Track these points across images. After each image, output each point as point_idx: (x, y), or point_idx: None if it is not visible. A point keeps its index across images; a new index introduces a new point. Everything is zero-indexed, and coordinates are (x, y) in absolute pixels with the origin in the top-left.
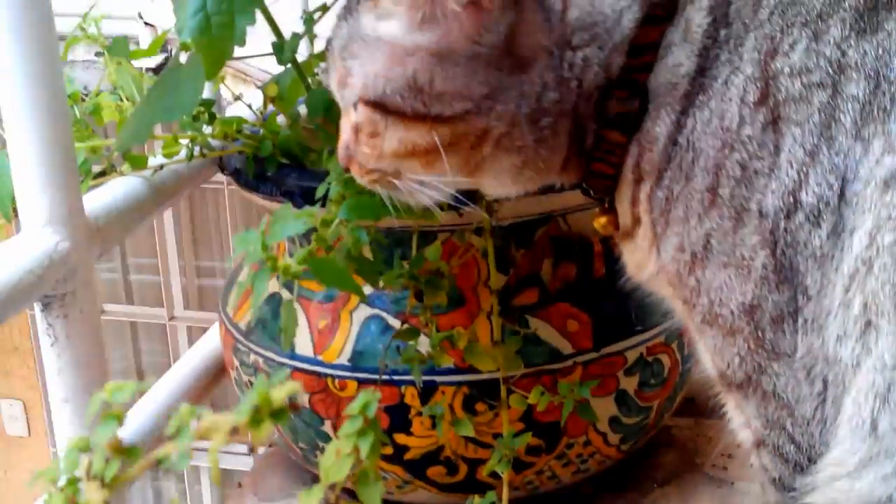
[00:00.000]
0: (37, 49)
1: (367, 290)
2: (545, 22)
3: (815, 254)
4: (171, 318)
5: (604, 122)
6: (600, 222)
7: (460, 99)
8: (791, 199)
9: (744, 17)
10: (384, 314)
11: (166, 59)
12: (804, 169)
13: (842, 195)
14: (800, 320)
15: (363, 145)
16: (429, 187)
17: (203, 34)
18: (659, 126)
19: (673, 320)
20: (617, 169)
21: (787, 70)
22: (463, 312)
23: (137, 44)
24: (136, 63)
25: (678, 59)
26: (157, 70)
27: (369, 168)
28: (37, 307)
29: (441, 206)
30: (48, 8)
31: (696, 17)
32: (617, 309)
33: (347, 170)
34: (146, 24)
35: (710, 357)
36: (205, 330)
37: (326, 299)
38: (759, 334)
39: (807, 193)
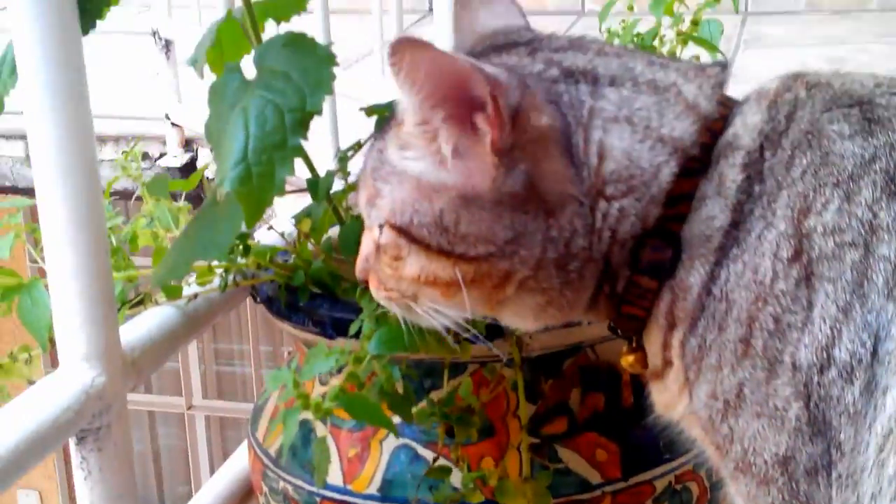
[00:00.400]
0: (80, 188)
1: (397, 419)
2: (574, 172)
3: (849, 410)
4: (190, 406)
5: (636, 268)
6: (628, 360)
7: (484, 242)
8: (825, 355)
9: (777, 175)
10: (414, 444)
11: (192, 158)
12: (837, 325)
13: (874, 353)
14: (834, 474)
15: (385, 265)
16: (444, 315)
17: (244, 185)
18: (693, 276)
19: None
20: (647, 312)
21: (820, 229)
22: (492, 443)
23: (164, 143)
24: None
25: (712, 211)
26: (182, 170)
27: (388, 287)
28: (71, 442)
29: (468, 340)
30: (91, 151)
31: (730, 173)
32: (645, 438)
33: (365, 282)
34: (173, 124)
35: (743, 503)
36: (222, 419)
37: (356, 428)
38: (794, 486)
39: (840, 350)
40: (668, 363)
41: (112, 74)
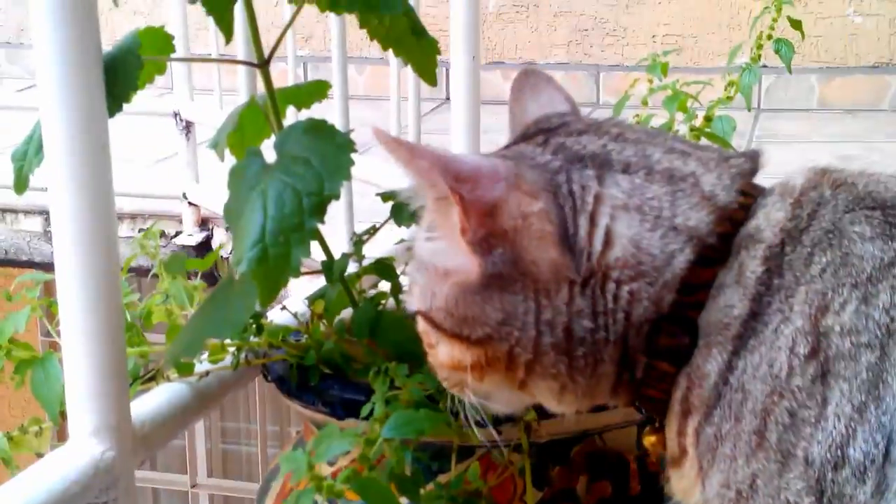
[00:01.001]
0: (99, 264)
1: (404, 500)
2: (570, 258)
3: None
4: (195, 485)
5: (654, 353)
6: (650, 440)
7: (480, 324)
8: (839, 453)
9: (796, 270)
10: None
11: (207, 237)
12: (852, 424)
13: (887, 455)
14: None
15: (428, 353)
16: (495, 399)
17: (260, 265)
18: (710, 364)
19: None
20: (667, 395)
21: (837, 328)
22: None
23: (180, 222)
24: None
25: (731, 300)
26: (197, 248)
27: (439, 375)
28: None
29: (478, 423)
30: (113, 232)
31: (751, 264)
32: None
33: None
34: (190, 203)
35: None
36: (227, 499)
37: None
38: None
39: (854, 449)
40: (683, 451)
41: (131, 153)
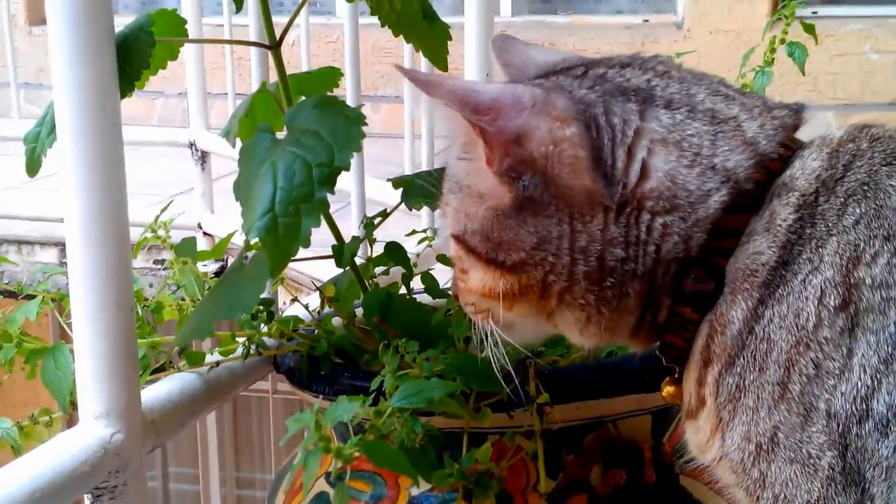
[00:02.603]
0: (109, 250)
1: (415, 490)
2: (604, 184)
3: (882, 464)
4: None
5: (679, 297)
6: (669, 391)
7: (516, 249)
8: (863, 406)
9: (828, 220)
10: None
11: (222, 268)
12: (877, 376)
13: None
14: None
15: (458, 278)
16: (517, 330)
17: (270, 234)
18: (735, 311)
19: None
20: (688, 343)
21: (868, 281)
22: None
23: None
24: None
25: (759, 247)
26: (216, 276)
27: (465, 301)
28: (87, 498)
29: (491, 408)
30: (124, 210)
31: (783, 212)
32: None
33: (456, 298)
34: (205, 234)
35: None
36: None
37: (373, 499)
38: None
39: (878, 402)
40: (702, 402)
41: (146, 186)
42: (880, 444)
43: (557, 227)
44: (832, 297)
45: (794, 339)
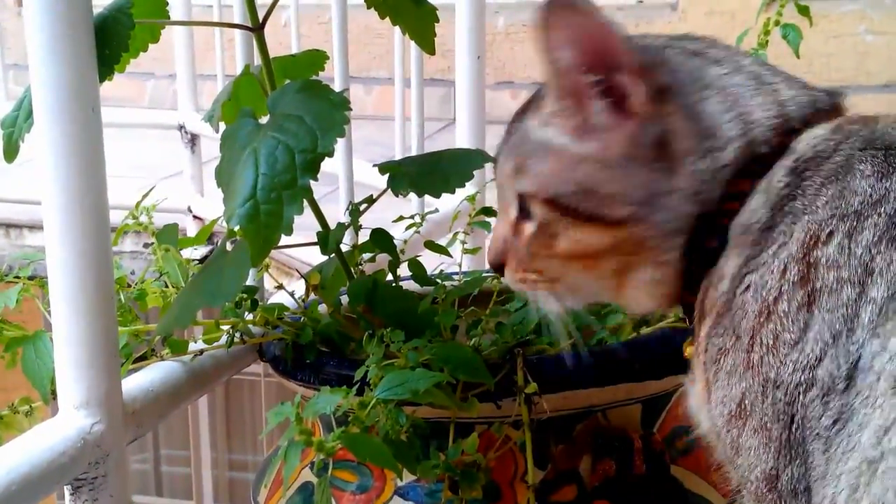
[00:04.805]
0: (88, 236)
1: (401, 482)
2: (697, 137)
3: (822, 435)
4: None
5: (691, 251)
6: (689, 352)
7: (624, 202)
8: (810, 375)
9: (806, 198)
10: None
11: (211, 250)
12: (825, 349)
13: (850, 380)
14: (814, 501)
15: (532, 245)
16: (570, 297)
17: (251, 222)
18: (728, 265)
19: None
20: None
21: (824, 261)
22: None
23: (185, 235)
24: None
25: (757, 204)
26: (202, 261)
27: (530, 267)
28: (66, 490)
29: (478, 398)
30: (104, 197)
31: (779, 173)
32: None
33: (497, 267)
34: (195, 217)
35: None
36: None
37: (359, 490)
38: None
39: (822, 370)
40: (697, 356)
41: (136, 168)
42: (822, 415)
43: (661, 182)
44: (793, 273)
45: (758, 308)
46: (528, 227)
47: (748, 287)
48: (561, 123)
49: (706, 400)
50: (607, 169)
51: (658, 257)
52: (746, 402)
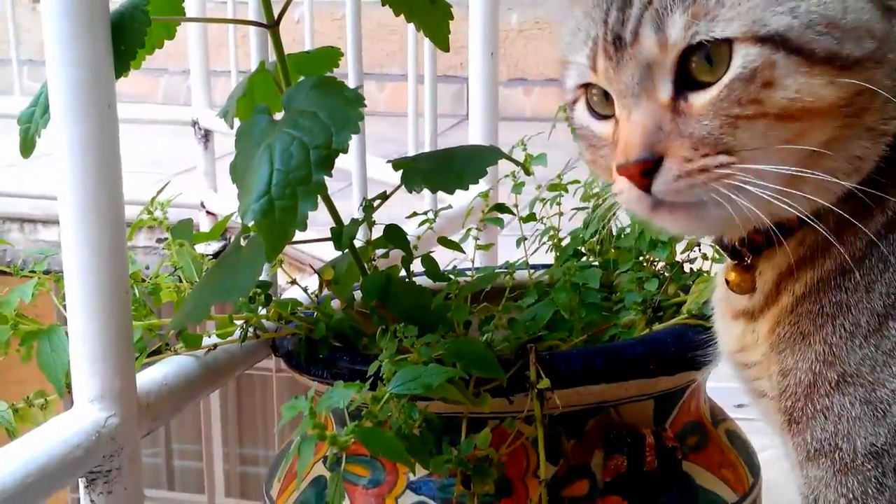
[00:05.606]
0: (103, 232)
1: (413, 476)
2: None
3: None
4: None
5: None
6: (733, 277)
7: (868, 36)
8: None
9: None
10: (430, 501)
11: (224, 246)
12: None
13: None
14: None
15: (717, 110)
16: (748, 194)
17: (266, 217)
18: (872, 224)
19: None
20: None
21: None
22: (511, 503)
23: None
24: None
25: None
26: (216, 256)
27: (724, 142)
28: (81, 483)
29: (491, 393)
30: (119, 192)
31: None
32: (668, 501)
33: (652, 164)
34: (208, 212)
35: (806, 488)
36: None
37: (372, 484)
38: (881, 482)
39: None
40: (772, 302)
41: (150, 164)
42: None
43: (889, 28)
44: None
45: None
46: (711, 92)
47: None
48: None
49: (773, 350)
50: None
51: (879, 125)
52: (865, 369)
